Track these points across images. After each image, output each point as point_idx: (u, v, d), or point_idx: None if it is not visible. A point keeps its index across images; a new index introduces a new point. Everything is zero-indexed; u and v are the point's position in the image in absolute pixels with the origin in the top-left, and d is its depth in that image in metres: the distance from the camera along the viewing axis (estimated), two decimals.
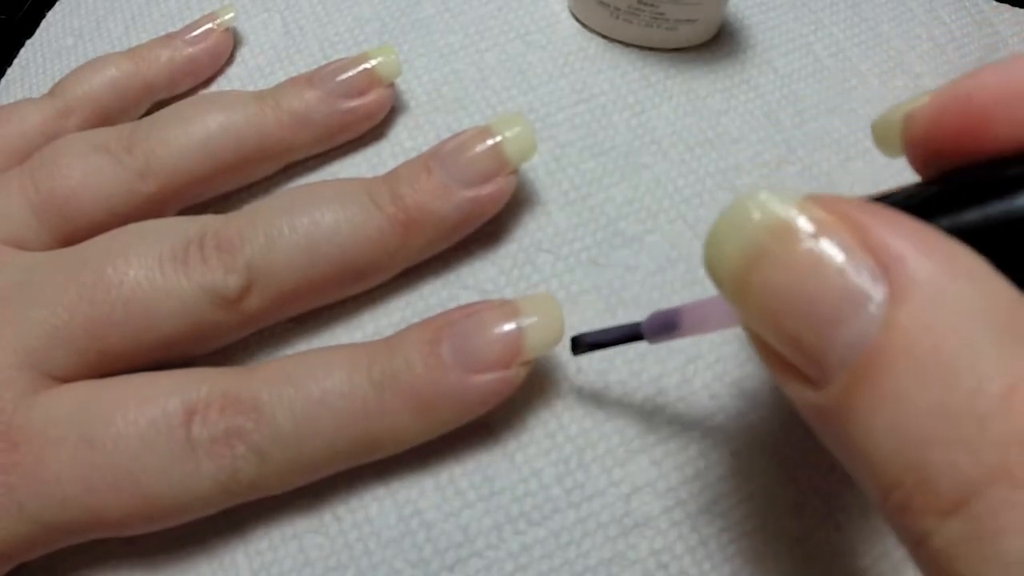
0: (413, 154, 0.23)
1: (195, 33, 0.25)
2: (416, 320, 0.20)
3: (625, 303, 0.21)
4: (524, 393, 0.19)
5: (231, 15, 0.25)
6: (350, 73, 0.22)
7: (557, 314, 0.18)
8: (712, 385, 0.20)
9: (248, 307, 0.18)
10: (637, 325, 0.18)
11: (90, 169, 0.20)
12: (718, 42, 0.26)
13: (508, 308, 0.18)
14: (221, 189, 0.22)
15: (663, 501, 0.19)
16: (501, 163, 0.20)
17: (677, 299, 0.21)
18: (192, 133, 0.21)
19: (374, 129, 0.23)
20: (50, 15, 0.28)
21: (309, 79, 0.22)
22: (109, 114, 0.23)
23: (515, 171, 0.20)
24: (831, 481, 0.19)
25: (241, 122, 0.21)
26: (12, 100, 0.26)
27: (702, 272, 0.21)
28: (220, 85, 0.25)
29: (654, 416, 0.19)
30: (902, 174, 0.24)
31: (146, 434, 0.16)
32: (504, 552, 0.18)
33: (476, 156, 0.20)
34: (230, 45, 0.25)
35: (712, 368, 0.20)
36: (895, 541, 0.19)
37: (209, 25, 0.25)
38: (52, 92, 0.23)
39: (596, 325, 0.21)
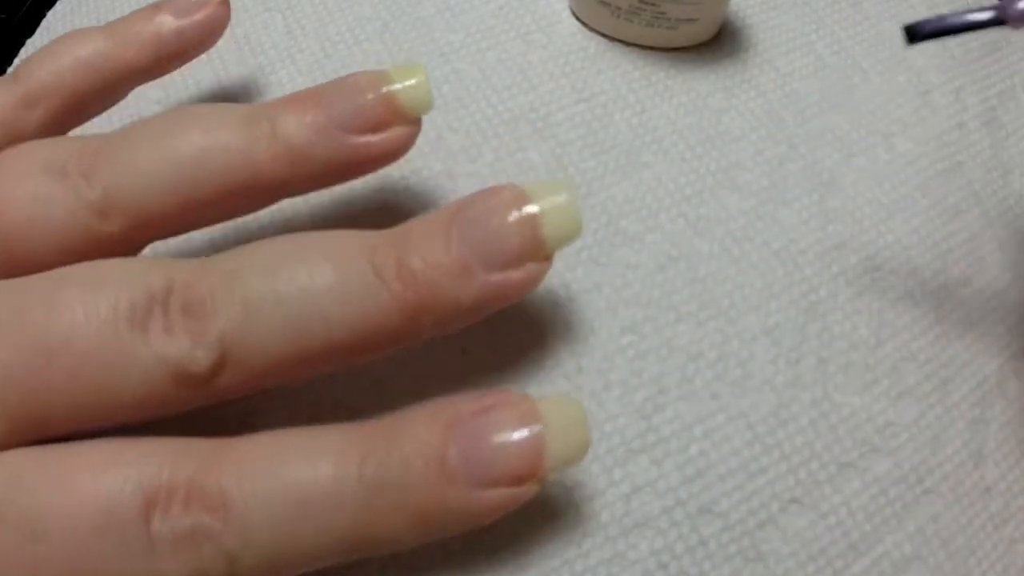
0: (414, 153, 0.23)
1: (186, 2, 0.21)
2: None
3: (626, 301, 0.21)
4: (524, 392, 0.19)
5: None
6: (366, 99, 0.18)
7: (582, 421, 0.15)
8: (713, 385, 0.20)
9: (219, 385, 0.15)
10: (992, 8, 0.15)
11: (39, 198, 0.16)
12: (719, 41, 0.26)
13: (526, 408, 0.15)
14: (197, 225, 0.18)
15: (663, 501, 0.19)
16: (537, 243, 0.16)
17: (678, 298, 0.21)
18: (163, 160, 0.17)
19: None
20: (50, 15, 0.28)
21: (316, 98, 0.18)
22: (81, 103, 0.20)
23: (551, 256, 0.17)
24: (832, 478, 0.19)
25: (225, 150, 0.17)
26: None
27: (703, 270, 0.21)
28: (219, 85, 0.25)
29: (654, 416, 0.19)
30: (905, 171, 0.24)
31: (99, 526, 0.14)
32: (504, 552, 0.18)
33: (507, 229, 0.16)
34: (227, 18, 0.21)
35: (713, 367, 0.20)
36: (896, 540, 0.19)
37: None
38: (15, 75, 0.20)
39: (596, 324, 0.21)
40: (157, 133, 0.17)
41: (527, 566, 0.18)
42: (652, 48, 0.25)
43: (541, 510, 0.18)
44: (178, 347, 0.15)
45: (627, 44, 0.25)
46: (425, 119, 0.23)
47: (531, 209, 0.16)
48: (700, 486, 0.19)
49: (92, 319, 0.15)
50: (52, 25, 0.28)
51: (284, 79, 0.24)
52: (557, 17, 0.26)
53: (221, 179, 0.17)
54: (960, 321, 0.22)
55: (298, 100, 0.18)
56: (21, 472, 0.14)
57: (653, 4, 0.24)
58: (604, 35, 0.25)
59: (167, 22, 0.21)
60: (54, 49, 0.20)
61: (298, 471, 0.14)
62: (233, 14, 0.26)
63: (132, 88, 0.21)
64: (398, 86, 0.18)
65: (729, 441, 0.19)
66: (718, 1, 0.24)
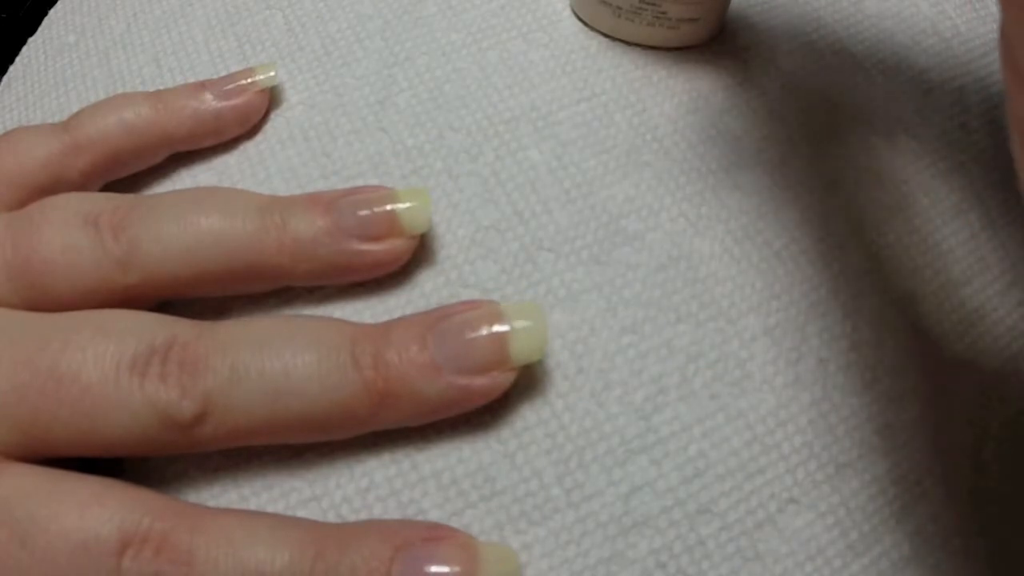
0: (415, 152, 0.23)
1: (227, 87, 0.23)
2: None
3: (627, 301, 0.21)
4: (525, 392, 0.19)
5: (271, 74, 0.23)
6: (372, 211, 0.20)
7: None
8: (712, 385, 0.20)
9: (200, 434, 0.17)
10: None
11: (70, 246, 0.19)
12: (721, 40, 0.26)
13: (468, 554, 0.17)
14: (205, 294, 0.20)
15: (662, 501, 0.19)
16: (502, 358, 0.18)
17: (679, 298, 0.21)
18: (183, 235, 0.19)
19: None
20: (52, 12, 0.28)
21: (327, 205, 0.20)
22: (121, 158, 0.22)
23: (515, 369, 0.18)
24: (831, 478, 0.19)
25: (238, 236, 0.19)
26: (14, 97, 0.26)
27: (704, 270, 0.22)
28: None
29: (654, 416, 0.20)
30: (906, 170, 0.24)
31: (76, 553, 0.16)
32: None
33: (478, 342, 0.18)
34: (264, 107, 0.23)
35: (712, 367, 0.20)
36: (895, 540, 0.19)
37: (243, 81, 0.23)
38: (66, 124, 0.22)
39: (597, 324, 0.21)
40: (184, 207, 0.19)
41: (526, 566, 0.18)
42: (653, 47, 0.25)
43: (540, 509, 0.18)
44: (168, 395, 0.17)
45: (628, 43, 0.25)
46: (427, 118, 0.24)
47: (502, 328, 0.18)
48: (699, 486, 0.19)
49: (99, 360, 0.17)
50: (54, 22, 0.28)
51: (284, 77, 0.24)
52: (558, 16, 0.26)
53: (229, 259, 0.19)
54: (960, 321, 0.22)
55: (313, 200, 0.20)
56: (24, 486, 0.16)
57: (654, 4, 0.24)
58: (605, 34, 0.25)
59: (207, 102, 0.22)
60: (104, 107, 0.22)
61: (259, 554, 0.16)
62: (233, 11, 0.26)
63: (169, 153, 0.23)
64: (402, 206, 0.20)
65: (728, 441, 0.19)
66: (719, 0, 0.24)
